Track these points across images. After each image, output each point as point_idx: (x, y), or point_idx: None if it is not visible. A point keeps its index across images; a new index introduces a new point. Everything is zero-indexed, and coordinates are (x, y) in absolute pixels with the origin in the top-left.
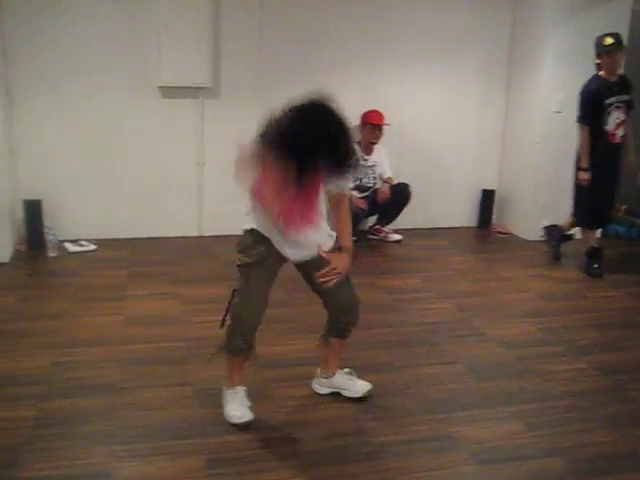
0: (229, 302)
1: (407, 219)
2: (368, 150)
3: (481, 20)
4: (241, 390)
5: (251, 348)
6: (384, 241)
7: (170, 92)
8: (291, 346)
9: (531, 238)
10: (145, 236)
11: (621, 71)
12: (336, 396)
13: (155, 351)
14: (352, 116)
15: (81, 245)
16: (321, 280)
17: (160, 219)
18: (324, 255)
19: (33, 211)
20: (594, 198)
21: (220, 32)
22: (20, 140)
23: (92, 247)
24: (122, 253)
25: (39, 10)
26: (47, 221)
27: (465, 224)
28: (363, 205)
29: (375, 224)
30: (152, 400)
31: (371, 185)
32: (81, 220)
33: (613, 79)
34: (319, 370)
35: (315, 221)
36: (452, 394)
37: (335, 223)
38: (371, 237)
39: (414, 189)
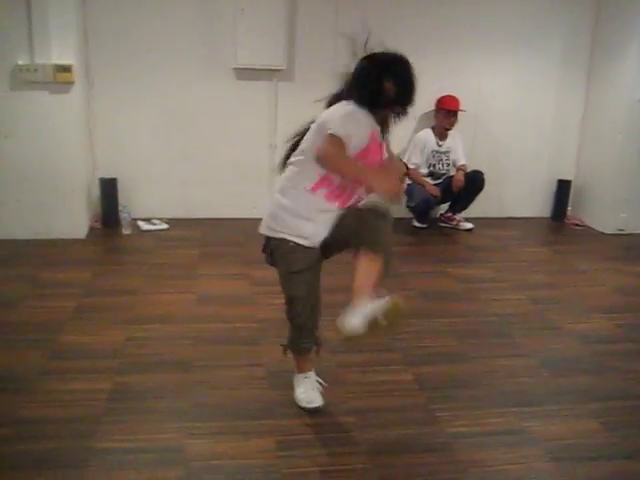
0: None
1: (479, 207)
2: (442, 136)
3: (562, 4)
4: (312, 375)
5: (316, 343)
6: (455, 229)
7: (245, 74)
8: None
9: (607, 231)
10: (216, 216)
11: None
12: (408, 384)
13: (227, 331)
14: (428, 102)
15: (154, 224)
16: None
17: (231, 200)
18: None
19: (108, 189)
20: None
21: (296, 15)
22: (97, 120)
23: (164, 226)
24: (193, 233)
25: None
26: (122, 199)
27: (538, 214)
28: (436, 192)
29: (447, 211)
30: (224, 379)
31: (444, 172)
32: (154, 199)
33: None
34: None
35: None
36: (526, 388)
37: None
38: (442, 225)
39: (487, 177)
